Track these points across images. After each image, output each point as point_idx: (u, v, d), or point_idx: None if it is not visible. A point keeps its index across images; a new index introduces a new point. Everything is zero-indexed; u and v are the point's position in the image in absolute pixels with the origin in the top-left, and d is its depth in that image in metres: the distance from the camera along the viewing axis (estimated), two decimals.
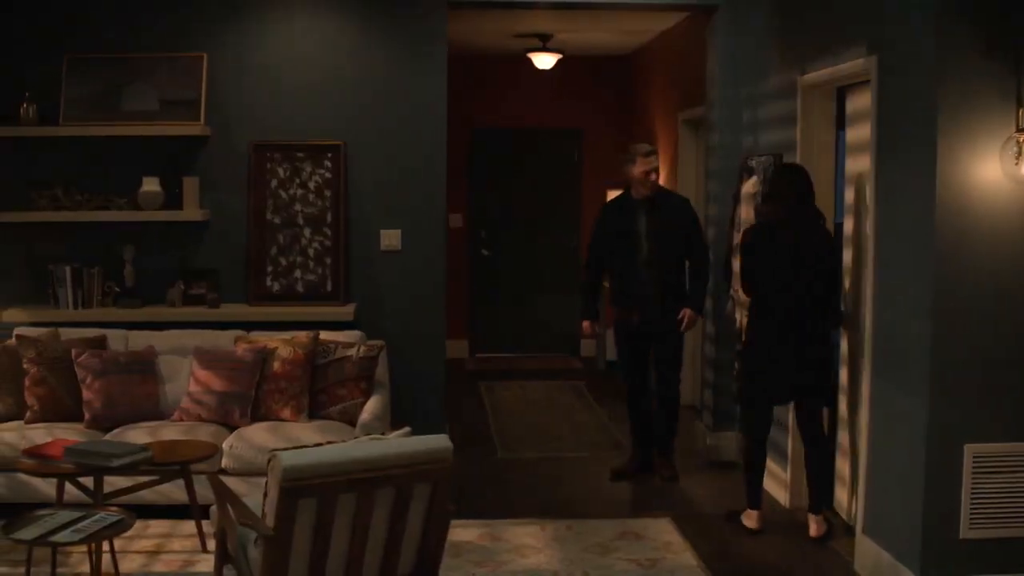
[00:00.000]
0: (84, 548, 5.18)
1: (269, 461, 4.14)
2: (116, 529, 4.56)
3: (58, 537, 4.42)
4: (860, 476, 5.62)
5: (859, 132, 6.12)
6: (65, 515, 4.63)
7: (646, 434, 7.30)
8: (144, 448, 5.37)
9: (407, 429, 4.51)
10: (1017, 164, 4.70)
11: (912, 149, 5.03)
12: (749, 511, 6.18)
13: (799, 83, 6.39)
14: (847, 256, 6.04)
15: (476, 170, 11.78)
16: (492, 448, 8.03)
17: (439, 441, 4.38)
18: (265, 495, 4.21)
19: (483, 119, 11.55)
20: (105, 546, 5.09)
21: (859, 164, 6.03)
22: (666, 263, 7.05)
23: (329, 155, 7.27)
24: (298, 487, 4.06)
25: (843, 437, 6.15)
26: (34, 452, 5.51)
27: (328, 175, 7.27)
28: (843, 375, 6.18)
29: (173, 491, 6.03)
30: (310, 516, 4.14)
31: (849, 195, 6.22)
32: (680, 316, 7.00)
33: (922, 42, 4.95)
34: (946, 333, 4.86)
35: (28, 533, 4.42)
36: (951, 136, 4.78)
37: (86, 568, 5.36)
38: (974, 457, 4.91)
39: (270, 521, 4.12)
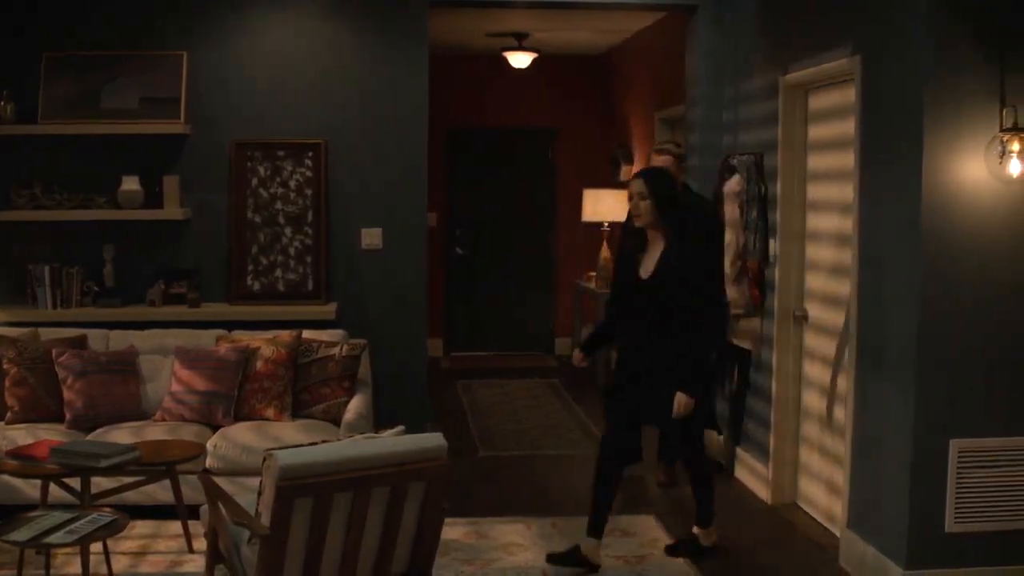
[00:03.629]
0: (69, 549, 5.15)
1: (264, 460, 4.14)
2: (110, 530, 4.54)
3: (52, 538, 4.39)
4: (843, 473, 5.69)
5: (820, 131, 6.26)
6: (58, 516, 4.60)
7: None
8: (132, 448, 5.34)
9: (401, 428, 4.52)
10: (1001, 163, 4.76)
11: (898, 149, 5.08)
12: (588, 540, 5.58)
13: (781, 83, 6.43)
14: (818, 252, 6.12)
15: (451, 169, 11.77)
16: (473, 447, 8.04)
17: (433, 440, 4.40)
18: (259, 494, 4.20)
19: (458, 118, 11.54)
20: (94, 547, 5.04)
21: (821, 161, 6.21)
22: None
23: (310, 154, 7.25)
24: (294, 486, 4.06)
25: (816, 431, 6.20)
26: (18, 453, 5.46)
27: (309, 174, 7.25)
28: (821, 373, 6.25)
29: (157, 491, 5.99)
30: (306, 515, 4.14)
31: (812, 192, 6.30)
32: None
33: (908, 42, 5.01)
34: (932, 330, 4.91)
35: (21, 535, 4.39)
36: (937, 135, 4.83)
37: (72, 569, 5.34)
38: (959, 452, 4.96)
39: (265, 520, 4.11)
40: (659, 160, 6.58)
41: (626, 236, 5.79)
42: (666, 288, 5.40)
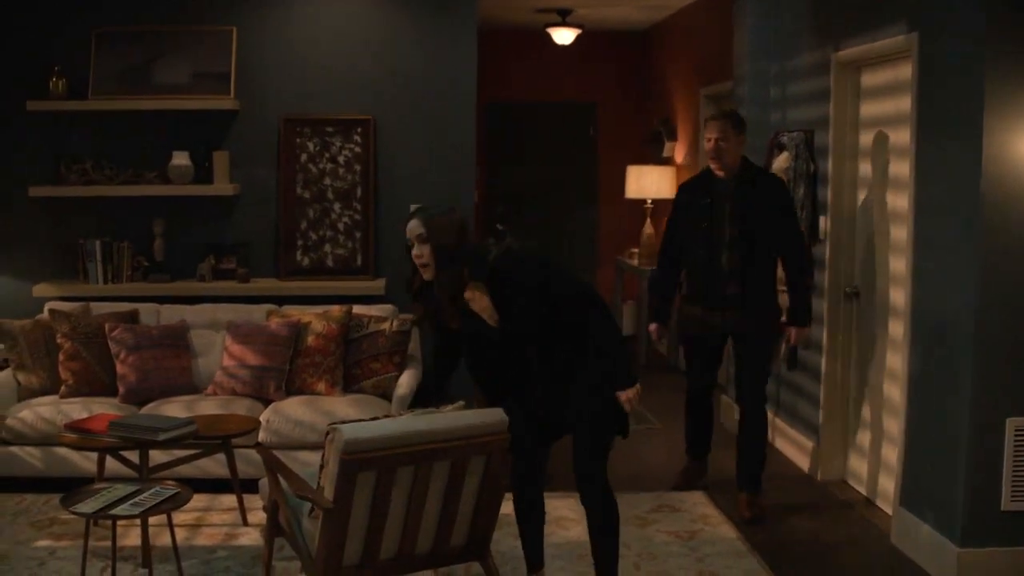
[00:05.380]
0: (126, 522, 5.21)
1: (328, 434, 4.17)
2: (174, 503, 4.59)
3: (118, 510, 4.44)
4: (896, 450, 5.67)
5: (873, 108, 6.22)
6: (121, 489, 4.65)
7: (704, 441, 6.54)
8: (190, 422, 5.39)
9: (461, 403, 4.53)
10: None
11: (956, 125, 5.04)
12: None
13: (833, 59, 6.39)
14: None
15: (492, 144, 11.77)
16: None
17: (494, 415, 4.41)
18: (321, 467, 4.23)
19: (500, 93, 11.52)
20: (152, 519, 5.09)
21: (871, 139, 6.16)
22: (752, 255, 5.94)
23: (359, 129, 7.27)
24: (358, 460, 4.08)
25: (867, 409, 6.20)
26: (77, 426, 5.51)
27: (358, 149, 7.27)
28: (870, 350, 6.24)
29: (209, 464, 6.06)
30: (369, 489, 4.17)
31: (869, 168, 6.27)
32: (786, 337, 6.18)
33: (966, 19, 4.96)
34: (989, 307, 4.89)
35: (88, 506, 4.44)
36: (997, 112, 4.79)
37: (129, 541, 5.40)
38: (1016, 430, 4.94)
39: (328, 494, 4.14)
40: (715, 127, 5.98)
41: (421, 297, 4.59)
42: (528, 332, 4.50)
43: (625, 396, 4.52)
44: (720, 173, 6.03)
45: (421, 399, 5.01)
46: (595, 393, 4.57)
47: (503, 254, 4.42)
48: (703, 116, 9.33)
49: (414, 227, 4.38)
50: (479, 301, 4.46)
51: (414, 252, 4.40)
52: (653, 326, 6.39)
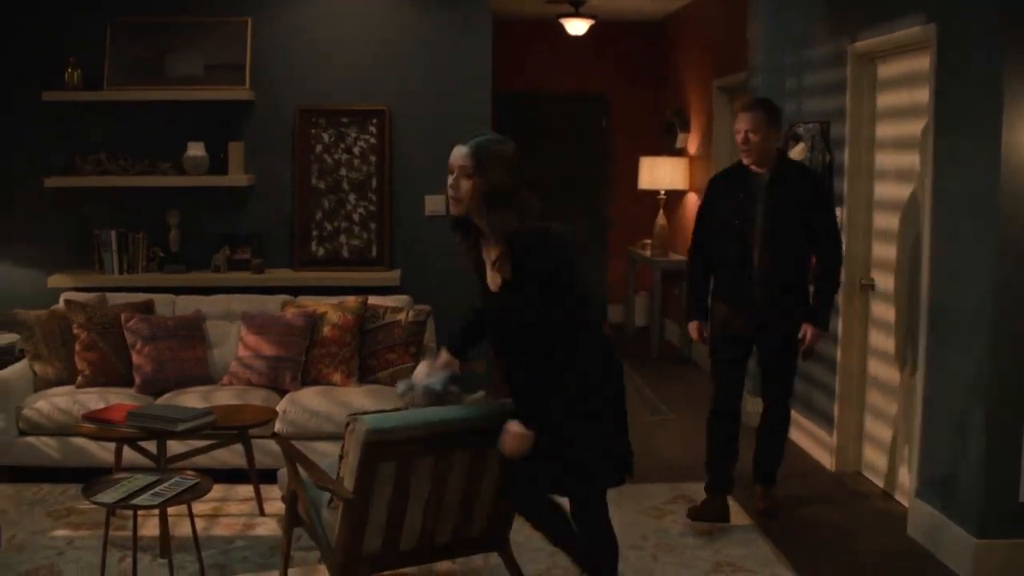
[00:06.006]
0: (144, 512, 5.21)
1: (348, 424, 4.17)
2: (194, 493, 4.59)
3: (139, 500, 4.45)
4: (911, 442, 5.67)
5: (889, 99, 6.20)
6: (141, 479, 4.66)
7: (727, 475, 5.82)
8: (208, 412, 5.39)
9: (481, 393, 4.54)
10: None
11: (975, 117, 5.03)
12: None
13: (849, 51, 6.38)
14: (880, 220, 6.08)
15: (503, 134, 11.68)
16: None
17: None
18: (341, 458, 4.24)
19: (512, 83, 11.49)
20: (170, 509, 5.10)
21: (890, 130, 6.13)
22: (781, 254, 5.57)
23: (374, 120, 7.27)
24: (379, 450, 4.09)
25: (881, 400, 6.20)
26: (94, 416, 5.51)
27: (373, 140, 7.28)
28: (886, 342, 6.23)
29: (224, 455, 6.05)
30: (389, 479, 4.18)
31: (885, 160, 6.25)
32: (801, 334, 5.62)
33: (985, 10, 4.95)
34: (1007, 298, 4.87)
35: (109, 496, 4.45)
36: (1017, 103, 4.77)
37: (146, 531, 5.40)
38: None
39: (349, 484, 4.15)
40: (745, 119, 5.56)
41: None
42: (515, 309, 4.00)
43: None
44: (754, 167, 5.64)
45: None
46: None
47: (540, 227, 4.02)
48: (716, 107, 9.33)
49: (461, 157, 3.91)
50: (488, 250, 4.07)
51: (450, 182, 3.94)
52: (693, 324, 5.88)
